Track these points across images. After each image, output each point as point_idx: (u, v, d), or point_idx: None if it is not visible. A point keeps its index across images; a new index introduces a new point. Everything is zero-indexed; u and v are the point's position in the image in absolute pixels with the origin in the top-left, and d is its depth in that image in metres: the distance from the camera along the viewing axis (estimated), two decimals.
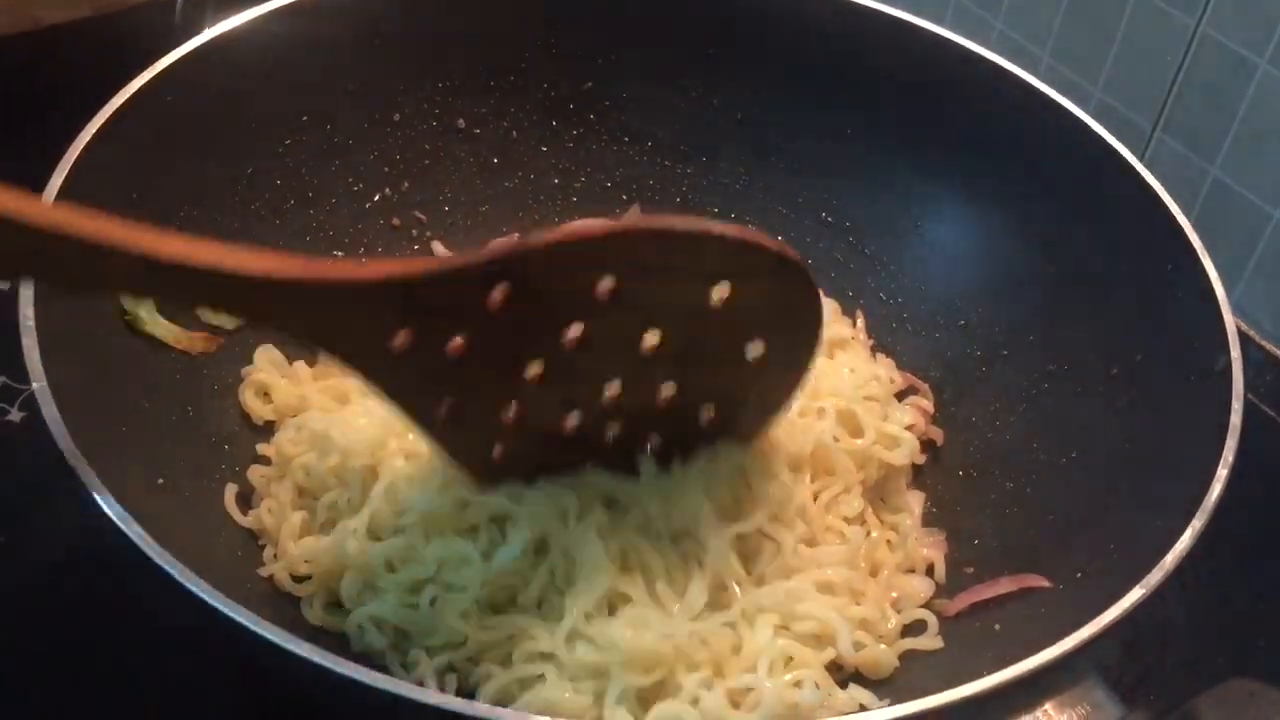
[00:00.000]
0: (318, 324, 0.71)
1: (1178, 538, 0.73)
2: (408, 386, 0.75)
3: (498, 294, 0.72)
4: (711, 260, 0.74)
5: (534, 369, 0.76)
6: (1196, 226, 0.90)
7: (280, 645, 0.63)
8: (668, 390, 0.79)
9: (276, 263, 0.68)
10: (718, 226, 0.74)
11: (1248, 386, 0.82)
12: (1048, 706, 0.67)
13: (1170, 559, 0.72)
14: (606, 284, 0.73)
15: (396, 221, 1.09)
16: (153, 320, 0.88)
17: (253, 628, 0.63)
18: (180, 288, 0.67)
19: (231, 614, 0.64)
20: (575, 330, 0.75)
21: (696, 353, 0.77)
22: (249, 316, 0.74)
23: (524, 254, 0.72)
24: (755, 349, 0.79)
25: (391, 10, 1.05)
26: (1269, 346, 1.19)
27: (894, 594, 0.88)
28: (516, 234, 1.09)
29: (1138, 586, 0.71)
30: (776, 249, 0.75)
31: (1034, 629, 0.73)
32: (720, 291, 0.75)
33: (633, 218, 0.72)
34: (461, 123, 1.11)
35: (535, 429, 0.79)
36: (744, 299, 0.75)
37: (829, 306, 1.02)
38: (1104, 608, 0.70)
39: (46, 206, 0.65)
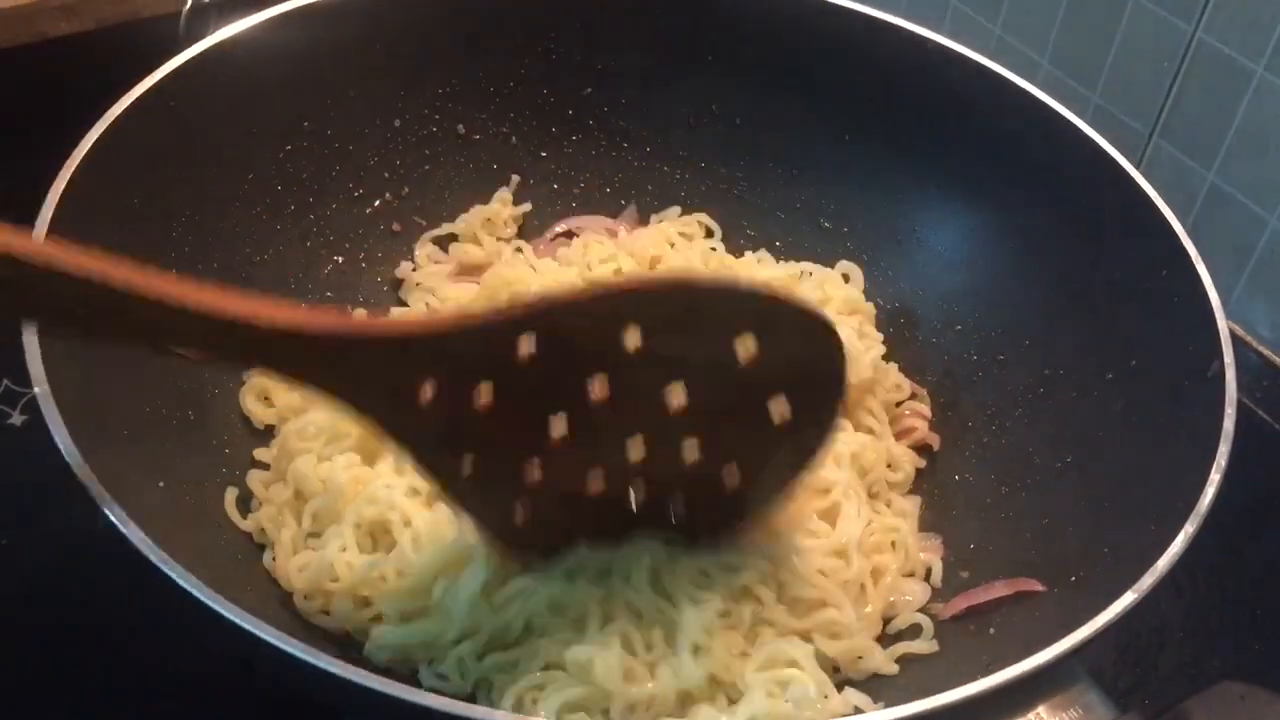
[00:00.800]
0: (346, 379, 0.70)
1: (1171, 542, 0.73)
2: (433, 443, 0.74)
3: (524, 346, 0.71)
4: (737, 315, 0.73)
5: (558, 425, 0.74)
6: (1193, 232, 0.91)
7: (280, 648, 0.63)
8: (690, 450, 0.77)
9: (304, 316, 0.68)
10: (745, 284, 0.74)
11: (1244, 391, 0.83)
12: (1041, 709, 0.68)
13: (1163, 563, 0.72)
14: (632, 337, 0.72)
15: (397, 226, 1.09)
16: None
17: (253, 630, 0.64)
18: (202, 339, 0.67)
19: (231, 616, 0.64)
20: (600, 384, 0.73)
21: (719, 409, 0.75)
22: (274, 370, 0.71)
23: (552, 307, 0.71)
24: (778, 406, 0.76)
25: (392, 17, 1.06)
26: (1265, 352, 1.19)
27: (891, 598, 0.88)
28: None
29: (1131, 590, 0.71)
30: (803, 306, 0.75)
31: (1028, 633, 0.73)
32: (745, 345, 0.73)
33: (660, 273, 0.72)
34: (461, 128, 1.12)
35: (558, 490, 0.77)
36: (768, 354, 0.73)
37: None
38: (1097, 611, 0.70)
39: (50, 246, 0.63)
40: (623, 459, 0.76)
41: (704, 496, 0.79)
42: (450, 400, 0.71)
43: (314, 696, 0.76)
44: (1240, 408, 0.80)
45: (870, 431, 0.98)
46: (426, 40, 1.08)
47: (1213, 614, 0.98)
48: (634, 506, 0.79)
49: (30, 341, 0.75)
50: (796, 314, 0.74)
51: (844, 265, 1.10)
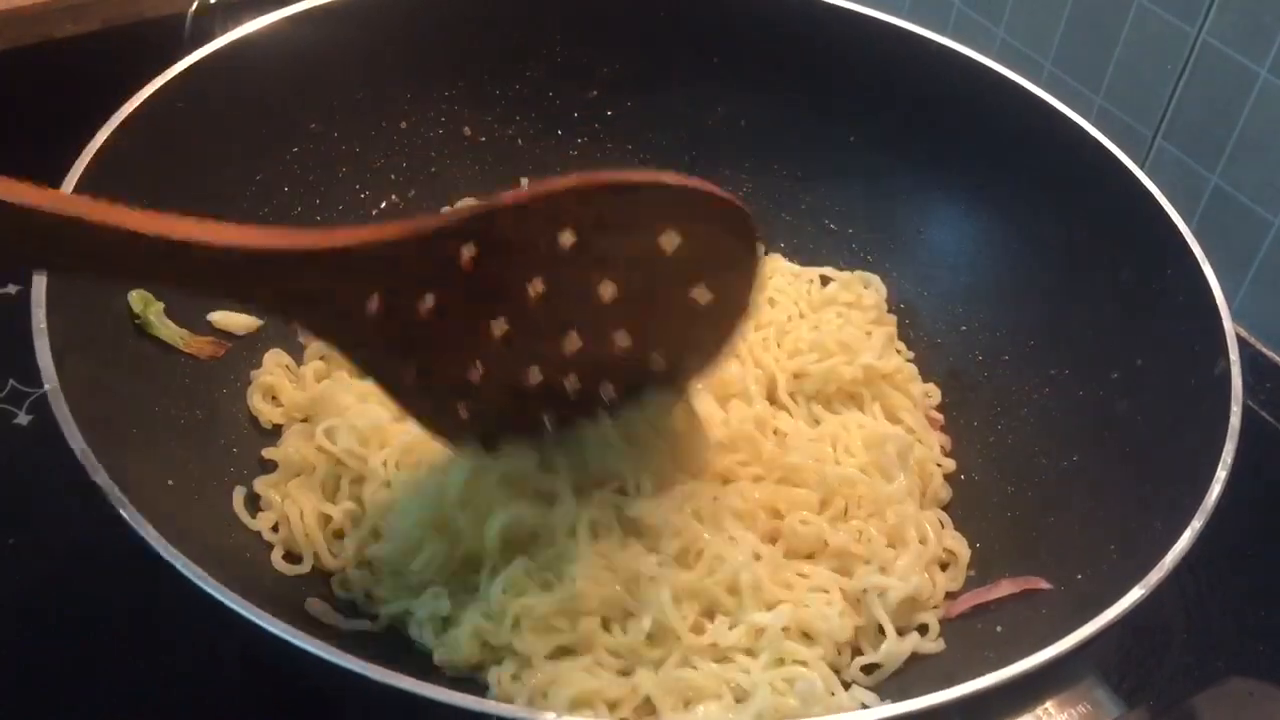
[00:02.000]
0: (293, 295, 0.71)
1: (1177, 539, 0.73)
2: (379, 353, 0.76)
3: (467, 253, 0.73)
4: (662, 208, 0.77)
5: (498, 326, 0.77)
6: (1197, 233, 0.91)
7: (292, 642, 0.64)
8: (621, 338, 0.81)
9: (251, 233, 0.68)
10: (668, 176, 0.77)
11: (1248, 393, 0.83)
12: (1048, 705, 0.68)
13: (1170, 559, 0.72)
14: (567, 237, 0.75)
15: None
16: (161, 324, 0.89)
17: (265, 625, 0.64)
18: (153, 263, 0.66)
19: (243, 611, 0.64)
20: (537, 284, 0.76)
21: (647, 298, 0.79)
22: (221, 290, 0.71)
23: (493, 212, 0.73)
24: (700, 291, 0.80)
25: (398, 20, 1.06)
26: (1269, 353, 1.20)
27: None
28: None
29: (1137, 587, 0.71)
30: (721, 195, 0.77)
31: (1035, 630, 0.74)
32: (669, 238, 0.77)
33: (589, 174, 0.75)
34: (467, 131, 1.12)
35: (499, 386, 0.80)
36: (691, 244, 0.77)
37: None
38: (1105, 607, 0.70)
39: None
40: (559, 352, 0.80)
41: (630, 379, 0.84)
42: (396, 309, 0.73)
43: (321, 693, 0.77)
44: (1244, 409, 0.81)
45: (910, 429, 0.98)
46: (432, 42, 1.08)
47: (1216, 614, 0.98)
48: (570, 396, 0.82)
49: (40, 340, 0.75)
50: (714, 202, 0.77)
51: (863, 276, 1.10)
